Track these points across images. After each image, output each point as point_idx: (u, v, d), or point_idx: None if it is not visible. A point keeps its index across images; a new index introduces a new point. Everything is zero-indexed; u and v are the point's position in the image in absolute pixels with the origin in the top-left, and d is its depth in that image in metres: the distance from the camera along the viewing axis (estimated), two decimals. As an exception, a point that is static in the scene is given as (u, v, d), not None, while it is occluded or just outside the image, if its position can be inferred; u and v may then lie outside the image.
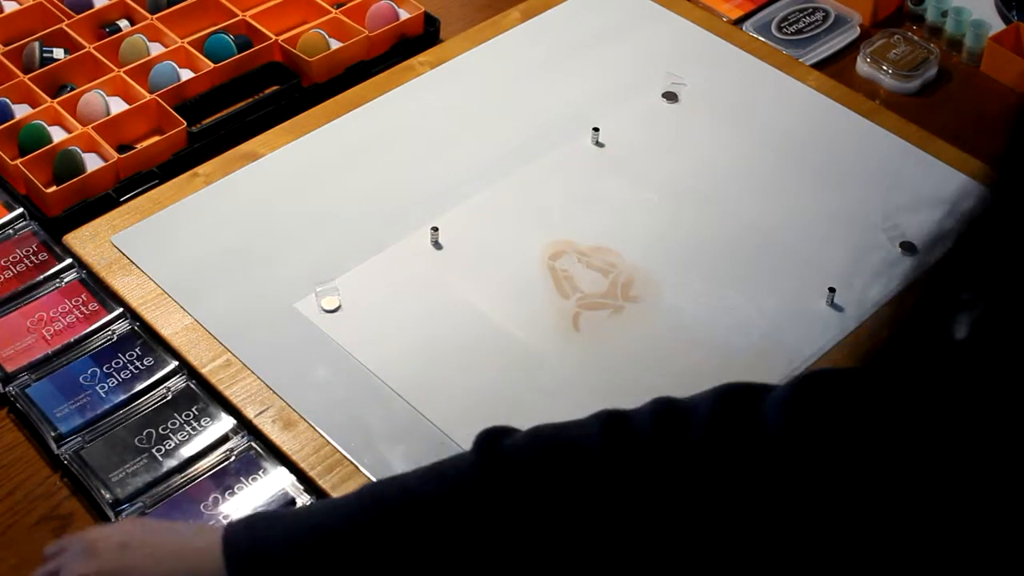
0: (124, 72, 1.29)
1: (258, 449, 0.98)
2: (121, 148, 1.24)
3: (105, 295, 1.09)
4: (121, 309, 1.08)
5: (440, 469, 0.80)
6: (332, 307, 1.07)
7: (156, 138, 1.24)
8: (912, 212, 1.13)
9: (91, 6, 1.38)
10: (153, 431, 0.99)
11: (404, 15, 1.38)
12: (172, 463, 0.97)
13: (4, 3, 1.39)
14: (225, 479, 0.96)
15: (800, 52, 1.37)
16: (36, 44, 1.31)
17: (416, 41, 1.37)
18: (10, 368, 1.03)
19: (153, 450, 0.98)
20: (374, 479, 0.95)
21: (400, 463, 0.96)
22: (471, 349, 1.05)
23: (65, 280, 1.10)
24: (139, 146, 1.24)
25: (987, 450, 0.55)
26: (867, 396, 0.62)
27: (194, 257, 1.12)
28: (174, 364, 1.04)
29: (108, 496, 0.95)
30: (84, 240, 1.13)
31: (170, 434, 0.99)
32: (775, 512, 0.73)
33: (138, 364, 1.04)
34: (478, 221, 1.16)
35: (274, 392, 1.01)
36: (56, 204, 1.17)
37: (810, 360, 1.04)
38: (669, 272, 1.11)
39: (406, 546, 0.77)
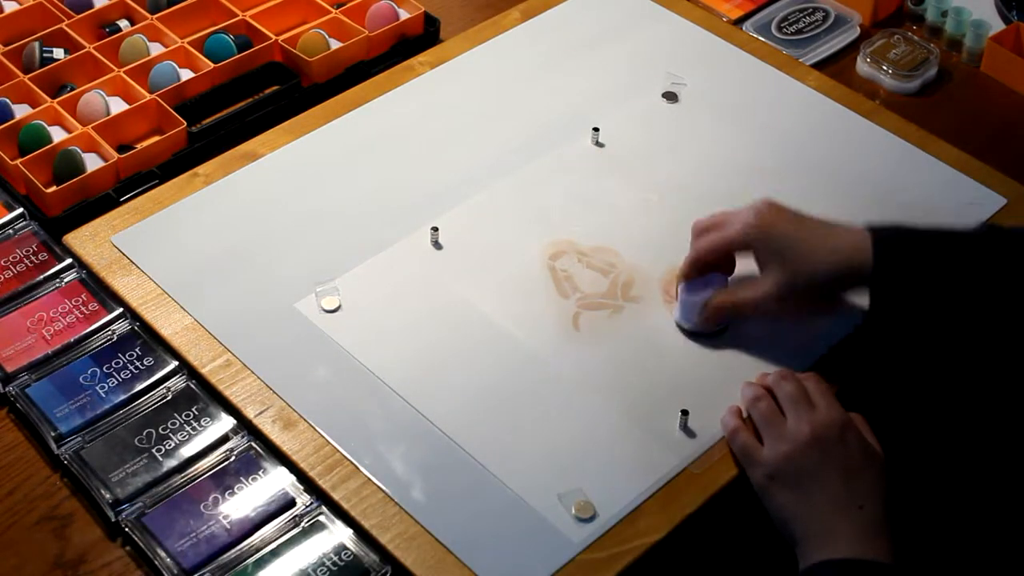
0: (124, 72, 1.29)
1: (258, 449, 0.98)
2: (121, 148, 1.24)
3: (105, 295, 1.09)
4: (121, 309, 1.08)
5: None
6: (332, 307, 1.07)
7: (156, 138, 1.24)
8: (912, 212, 1.13)
9: (91, 6, 1.38)
10: (153, 431, 0.99)
11: (404, 15, 1.38)
12: (172, 463, 0.97)
13: (4, 3, 1.39)
14: (225, 479, 0.96)
15: (800, 52, 1.37)
16: (36, 44, 1.31)
17: (416, 41, 1.37)
18: (10, 368, 1.03)
19: (153, 450, 0.98)
20: (374, 479, 0.95)
21: (400, 463, 0.96)
22: (471, 349, 1.05)
23: (65, 280, 1.10)
24: (139, 146, 1.24)
25: None
26: None
27: (194, 257, 1.12)
28: (174, 364, 1.04)
29: (108, 496, 0.95)
30: (84, 240, 1.13)
31: (170, 434, 0.99)
32: None
33: (138, 364, 1.04)
34: (478, 221, 1.16)
35: (274, 392, 1.01)
36: (56, 204, 1.17)
37: (810, 359, 1.04)
38: (669, 272, 1.11)
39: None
